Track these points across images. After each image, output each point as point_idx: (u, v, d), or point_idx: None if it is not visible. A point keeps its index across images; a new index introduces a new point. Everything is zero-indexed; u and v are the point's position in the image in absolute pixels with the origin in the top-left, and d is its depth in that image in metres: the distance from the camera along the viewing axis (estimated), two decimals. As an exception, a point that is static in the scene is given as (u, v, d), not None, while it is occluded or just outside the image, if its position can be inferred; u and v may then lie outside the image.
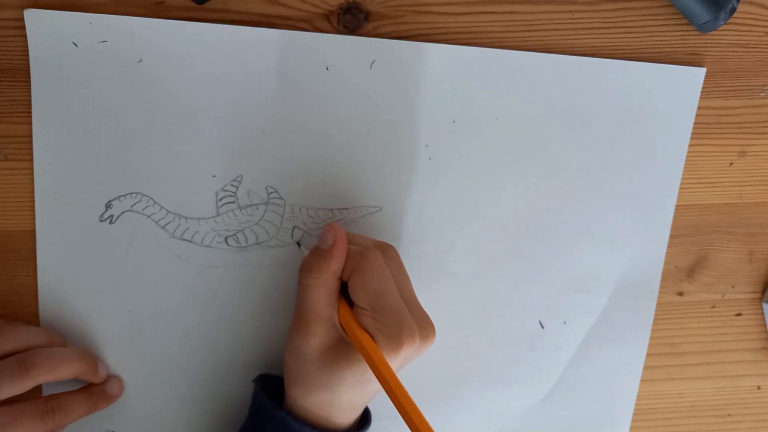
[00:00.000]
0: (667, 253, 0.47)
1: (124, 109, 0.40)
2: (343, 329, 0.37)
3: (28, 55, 0.39)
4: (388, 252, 0.39)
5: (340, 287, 0.38)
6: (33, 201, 0.41)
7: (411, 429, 0.33)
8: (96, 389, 0.42)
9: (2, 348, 0.38)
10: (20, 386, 0.37)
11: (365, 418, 0.41)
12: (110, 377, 0.42)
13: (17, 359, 0.37)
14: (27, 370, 0.37)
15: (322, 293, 0.37)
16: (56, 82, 0.40)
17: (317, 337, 0.37)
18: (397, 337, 0.35)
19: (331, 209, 0.43)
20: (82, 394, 0.41)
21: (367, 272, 0.37)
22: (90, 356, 0.41)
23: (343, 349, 0.37)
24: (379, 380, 0.34)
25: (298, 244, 0.43)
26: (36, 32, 0.39)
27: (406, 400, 0.33)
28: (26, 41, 0.39)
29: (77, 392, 0.41)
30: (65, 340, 0.42)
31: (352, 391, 0.37)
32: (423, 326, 0.37)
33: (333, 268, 0.37)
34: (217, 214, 0.42)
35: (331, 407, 0.38)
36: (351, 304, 0.38)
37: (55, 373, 0.38)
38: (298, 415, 0.38)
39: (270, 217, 0.43)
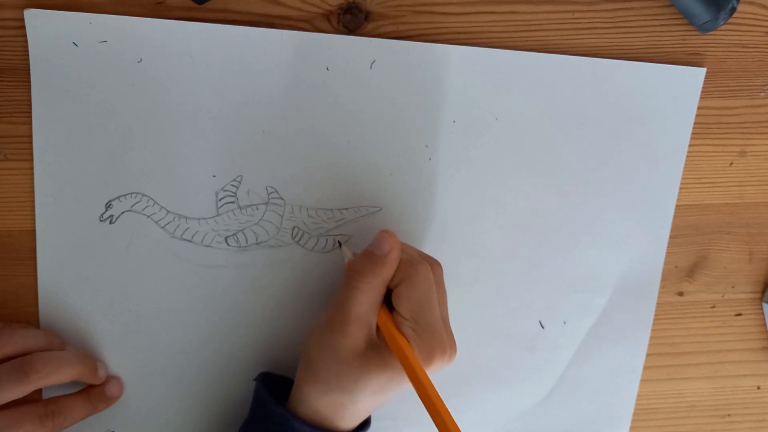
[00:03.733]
0: (667, 253, 0.47)
1: (124, 109, 0.40)
2: (377, 333, 0.38)
3: (28, 55, 0.39)
4: (435, 268, 0.40)
5: (385, 293, 0.39)
6: (33, 201, 0.41)
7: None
8: (95, 391, 0.42)
9: (1, 351, 0.38)
10: (19, 391, 0.37)
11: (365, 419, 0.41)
12: (110, 378, 0.42)
13: (16, 364, 0.37)
14: (26, 375, 0.37)
15: (370, 297, 0.37)
16: (56, 82, 0.40)
17: (353, 339, 0.37)
18: (430, 351, 0.36)
19: (331, 209, 0.43)
20: (81, 397, 0.41)
21: (416, 283, 0.37)
22: (89, 358, 0.41)
23: (373, 354, 0.37)
24: (415, 385, 0.35)
25: (339, 244, 0.43)
26: (36, 32, 0.39)
27: (441, 406, 0.34)
28: (26, 41, 0.39)
29: (77, 395, 0.41)
30: (64, 342, 0.42)
31: (371, 398, 0.38)
32: (450, 345, 0.38)
33: (386, 275, 0.38)
34: (217, 214, 0.42)
35: (342, 410, 0.38)
36: (390, 308, 0.38)
37: (54, 377, 0.38)
38: (302, 414, 0.38)
39: (270, 217, 0.43)
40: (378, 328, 0.38)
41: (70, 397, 0.41)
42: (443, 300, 0.40)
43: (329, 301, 0.40)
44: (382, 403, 0.39)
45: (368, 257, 0.38)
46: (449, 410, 0.34)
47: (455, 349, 0.38)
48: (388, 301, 0.39)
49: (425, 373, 0.35)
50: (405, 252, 0.40)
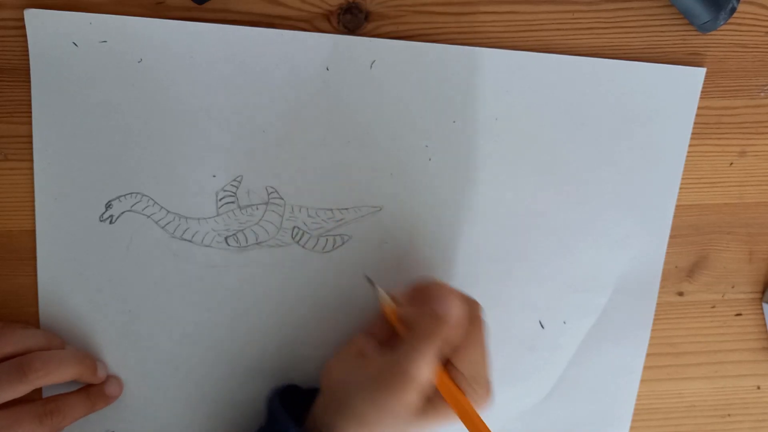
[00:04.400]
0: (667, 253, 0.47)
1: (124, 109, 0.40)
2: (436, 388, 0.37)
3: (28, 55, 0.39)
4: (479, 313, 0.39)
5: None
6: (33, 201, 0.41)
7: None
8: (94, 390, 0.42)
9: (1, 351, 0.38)
10: (19, 390, 0.37)
11: None
12: (109, 377, 0.42)
13: (15, 363, 0.38)
14: (25, 374, 0.37)
15: (432, 360, 0.36)
16: (56, 82, 0.40)
17: (412, 400, 0.35)
18: (483, 404, 0.37)
19: (331, 209, 0.43)
20: (80, 396, 0.41)
21: (478, 344, 0.37)
22: (89, 358, 0.41)
23: (429, 408, 0.36)
24: None
25: (371, 282, 0.42)
26: (36, 32, 0.39)
27: None
28: (26, 41, 0.39)
29: (75, 393, 0.41)
30: (64, 341, 0.42)
31: None
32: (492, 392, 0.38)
33: (451, 336, 0.36)
34: (217, 214, 0.42)
35: None
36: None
37: (53, 376, 0.38)
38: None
39: (270, 217, 0.43)
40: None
41: (69, 395, 0.41)
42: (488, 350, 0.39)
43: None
44: None
45: (431, 317, 0.36)
46: None
47: (491, 396, 0.38)
48: None
49: (485, 426, 0.35)
50: (449, 298, 0.38)
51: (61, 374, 0.39)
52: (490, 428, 0.35)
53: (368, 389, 0.36)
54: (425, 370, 0.35)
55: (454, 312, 0.36)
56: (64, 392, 0.41)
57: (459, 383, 0.37)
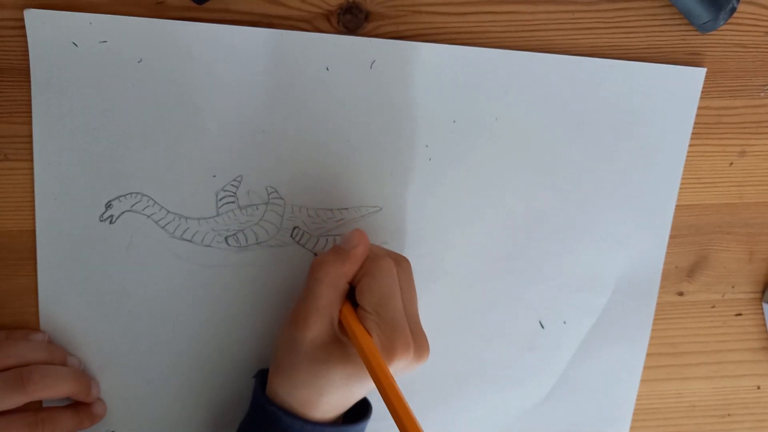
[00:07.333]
0: (667, 253, 0.47)
1: (124, 109, 0.40)
2: (340, 329, 0.37)
3: (28, 55, 0.39)
4: (401, 263, 0.40)
5: (348, 291, 0.38)
6: (33, 201, 0.41)
7: (400, 429, 0.32)
8: (83, 407, 0.42)
9: (3, 363, 0.39)
10: (15, 400, 0.38)
11: (365, 409, 0.41)
12: (97, 399, 0.43)
13: (15, 373, 0.38)
14: (23, 386, 0.38)
15: (330, 290, 0.37)
16: (56, 82, 0.40)
17: (313, 332, 0.37)
18: (392, 346, 0.36)
19: (331, 209, 0.43)
20: (70, 411, 0.41)
21: (378, 277, 0.37)
22: (85, 377, 0.42)
23: (335, 348, 0.37)
24: (374, 379, 0.34)
25: (300, 243, 0.43)
26: (36, 32, 0.39)
27: (398, 401, 0.33)
28: (26, 41, 0.39)
29: (66, 408, 0.42)
30: (66, 355, 0.42)
31: (335, 394, 0.37)
32: (419, 343, 0.37)
33: (347, 269, 0.38)
34: (217, 214, 0.42)
35: (311, 406, 0.37)
36: (355, 306, 0.38)
37: (50, 390, 0.39)
38: (281, 406, 0.38)
39: (270, 217, 0.43)
40: (341, 324, 0.38)
41: (60, 409, 0.41)
42: (411, 296, 0.39)
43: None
44: (350, 401, 0.39)
45: (334, 251, 0.38)
46: (408, 406, 0.33)
47: (426, 348, 0.37)
48: (353, 299, 0.38)
49: (384, 365, 0.34)
50: (371, 251, 0.39)
51: (58, 390, 0.39)
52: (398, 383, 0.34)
53: (283, 329, 0.39)
54: (322, 297, 0.37)
55: (353, 245, 0.38)
56: (54, 405, 0.41)
57: (362, 318, 0.37)
